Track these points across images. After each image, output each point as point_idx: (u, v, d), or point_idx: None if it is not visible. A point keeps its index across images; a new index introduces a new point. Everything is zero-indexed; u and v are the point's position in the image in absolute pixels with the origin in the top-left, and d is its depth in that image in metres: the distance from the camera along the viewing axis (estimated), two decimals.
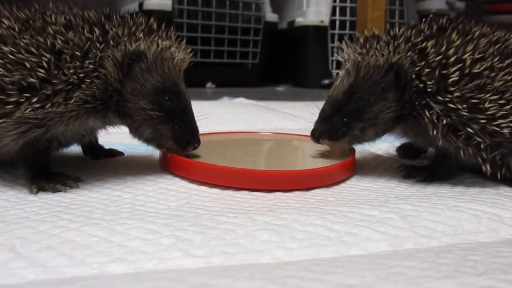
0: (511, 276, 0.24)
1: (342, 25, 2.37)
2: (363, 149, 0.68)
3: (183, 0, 2.04)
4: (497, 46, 0.50)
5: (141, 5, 2.01)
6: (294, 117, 1.01)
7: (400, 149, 0.67)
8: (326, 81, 2.28)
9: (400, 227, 0.36)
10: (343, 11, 2.35)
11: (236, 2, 2.20)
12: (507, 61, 0.47)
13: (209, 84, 2.19)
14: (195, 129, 0.51)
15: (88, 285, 0.24)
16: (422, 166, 0.56)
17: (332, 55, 2.45)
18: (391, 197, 0.45)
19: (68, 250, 0.30)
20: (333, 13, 2.37)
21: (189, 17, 2.09)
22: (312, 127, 0.52)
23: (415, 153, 0.65)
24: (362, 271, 0.25)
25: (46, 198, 0.43)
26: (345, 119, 0.50)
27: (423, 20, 0.53)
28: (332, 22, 2.38)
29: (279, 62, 2.57)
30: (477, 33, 0.51)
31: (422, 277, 0.24)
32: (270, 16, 2.40)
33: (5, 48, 0.43)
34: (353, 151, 0.56)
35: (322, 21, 2.37)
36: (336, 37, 2.37)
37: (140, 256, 0.30)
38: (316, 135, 0.51)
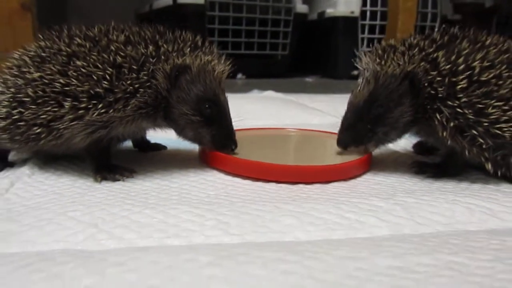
0: (476, 255, 0.31)
1: (373, 15, 2.37)
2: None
3: None
4: (506, 56, 0.54)
5: None
6: (320, 112, 1.08)
7: (416, 146, 0.73)
8: (355, 72, 2.31)
9: (401, 217, 0.43)
10: (374, 2, 2.35)
11: None
12: None
13: (239, 75, 2.26)
14: (231, 133, 0.58)
15: (154, 252, 0.33)
16: (433, 163, 0.62)
17: (362, 46, 2.47)
18: (399, 191, 0.52)
19: (136, 228, 0.39)
20: (364, 3, 2.37)
21: (221, 9, 2.15)
22: (337, 136, 0.59)
23: (429, 150, 0.71)
24: (361, 248, 0.33)
25: (109, 186, 0.52)
26: (368, 126, 0.56)
27: (442, 27, 0.58)
28: (363, 13, 2.38)
29: (309, 52, 2.61)
30: (487, 42, 0.56)
31: (406, 254, 0.32)
32: (300, 7, 2.42)
33: (78, 62, 0.51)
34: None
35: (352, 12, 2.38)
36: (366, 28, 2.38)
37: (190, 233, 0.39)
38: (343, 143, 0.58)
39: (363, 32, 2.41)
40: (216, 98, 0.56)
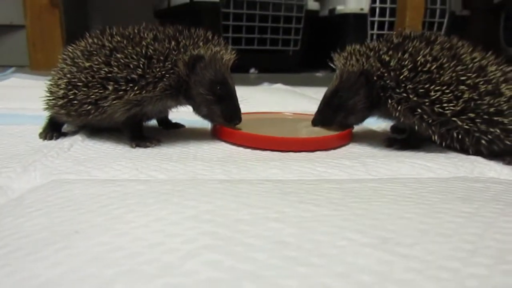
0: (404, 186, 0.46)
1: (382, 12, 2.47)
2: (365, 127, 0.89)
3: None
4: (448, 52, 0.68)
5: None
6: (318, 101, 1.22)
7: (392, 127, 0.88)
8: None
9: (359, 170, 0.58)
10: None
11: None
12: (453, 62, 0.66)
13: (252, 70, 2.40)
14: (238, 109, 0.73)
15: (178, 181, 0.49)
16: (400, 138, 0.76)
17: (372, 42, 2.57)
18: (364, 156, 0.67)
19: (165, 172, 0.55)
20: (373, 0, 2.47)
21: (235, 7, 2.29)
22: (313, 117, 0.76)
23: (402, 130, 0.85)
24: (325, 183, 0.48)
25: (143, 150, 0.68)
26: (332, 111, 0.73)
27: (397, 33, 0.72)
28: (373, 9, 2.49)
29: (320, 48, 2.73)
30: (436, 41, 0.70)
31: (348, 182, 0.47)
32: (312, 4, 2.53)
33: (118, 55, 0.66)
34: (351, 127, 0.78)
35: (362, 9, 2.50)
36: (376, 24, 2.49)
37: (203, 176, 0.54)
38: (314, 122, 0.77)
39: (372, 29, 2.51)
40: (225, 80, 0.71)
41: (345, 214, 0.37)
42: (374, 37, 2.51)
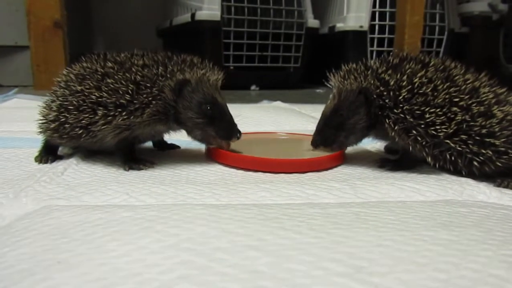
0: (392, 212, 0.46)
1: (382, 29, 2.49)
2: (359, 147, 0.90)
3: (231, 10, 2.26)
4: (442, 74, 0.69)
5: (193, 15, 2.24)
6: (316, 120, 1.23)
7: (386, 147, 0.88)
8: None
9: (347, 193, 0.58)
10: (382, 16, 2.47)
11: (280, 10, 2.38)
12: (447, 84, 0.67)
13: (253, 87, 2.42)
14: (233, 124, 0.73)
15: (164, 207, 0.49)
16: (393, 159, 0.77)
17: (372, 58, 2.59)
18: (355, 178, 0.67)
19: (155, 196, 0.56)
20: (373, 18, 2.49)
21: (236, 25, 2.32)
22: (312, 138, 0.75)
23: (396, 151, 0.85)
24: (309, 208, 0.48)
25: (136, 173, 0.69)
26: (333, 131, 0.73)
27: (393, 54, 0.73)
28: (372, 27, 2.50)
29: (321, 65, 2.75)
30: (430, 63, 0.71)
31: (335, 207, 0.47)
32: (312, 22, 2.55)
33: (109, 80, 0.67)
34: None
35: (361, 26, 2.52)
36: (375, 41, 2.51)
37: (192, 200, 0.55)
38: (314, 143, 0.75)
39: (372, 46, 2.53)
40: (214, 99, 0.71)
41: (324, 241, 0.37)
42: (374, 54, 2.53)
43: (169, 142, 0.88)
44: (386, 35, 2.52)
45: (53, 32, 2.06)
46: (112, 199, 0.54)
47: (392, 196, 0.58)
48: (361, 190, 0.59)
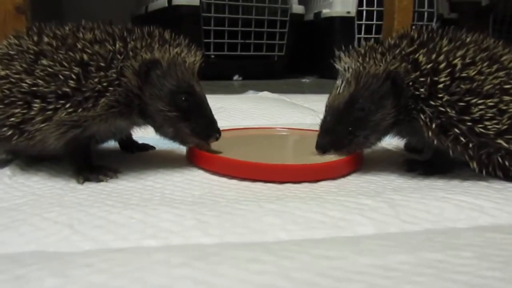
0: (460, 252, 0.30)
1: (369, 15, 2.36)
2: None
3: None
4: (485, 53, 0.53)
5: (170, 0, 2.07)
6: (313, 112, 1.06)
7: (407, 144, 0.72)
8: None
9: (387, 214, 0.42)
10: (370, 2, 2.34)
11: None
12: (495, 66, 0.51)
13: (236, 77, 2.25)
14: (213, 121, 0.56)
15: (126, 253, 0.32)
16: (423, 161, 0.61)
17: (359, 46, 2.46)
18: (388, 189, 0.51)
19: (113, 229, 0.38)
20: (360, 3, 2.36)
21: (217, 11, 2.14)
22: (316, 140, 0.56)
23: (420, 149, 0.70)
24: (342, 246, 0.31)
25: (92, 187, 0.51)
26: (349, 129, 0.54)
27: (413, 28, 0.57)
28: (359, 13, 2.37)
29: (306, 53, 2.60)
30: (467, 40, 0.55)
31: (389, 252, 0.30)
32: (297, 8, 2.42)
33: (44, 61, 0.50)
34: None
35: (348, 12, 2.38)
36: (363, 28, 2.37)
37: (169, 234, 0.37)
38: (322, 147, 0.55)
39: (359, 32, 2.40)
40: (191, 89, 0.54)
41: None
42: (362, 41, 2.40)
43: (140, 141, 0.69)
44: (374, 21, 2.39)
45: (15, 18, 1.85)
46: (45, 238, 0.35)
47: (450, 218, 0.42)
48: (404, 209, 0.43)
